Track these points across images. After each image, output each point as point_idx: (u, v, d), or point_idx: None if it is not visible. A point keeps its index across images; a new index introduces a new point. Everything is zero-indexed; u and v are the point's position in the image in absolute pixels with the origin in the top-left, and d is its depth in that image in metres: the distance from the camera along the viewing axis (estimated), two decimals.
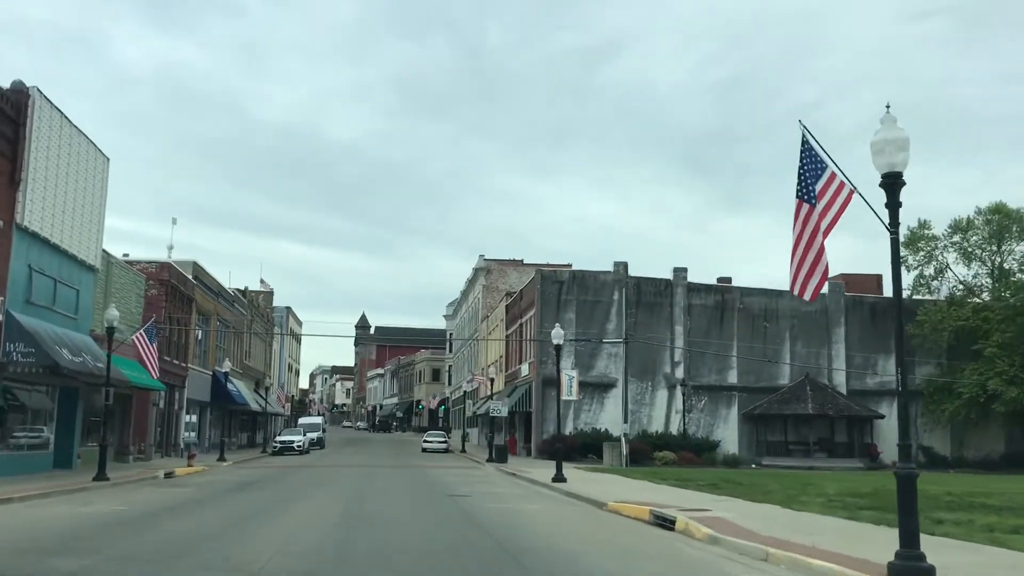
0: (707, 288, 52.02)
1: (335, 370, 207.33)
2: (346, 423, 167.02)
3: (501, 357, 65.58)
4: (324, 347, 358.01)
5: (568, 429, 49.14)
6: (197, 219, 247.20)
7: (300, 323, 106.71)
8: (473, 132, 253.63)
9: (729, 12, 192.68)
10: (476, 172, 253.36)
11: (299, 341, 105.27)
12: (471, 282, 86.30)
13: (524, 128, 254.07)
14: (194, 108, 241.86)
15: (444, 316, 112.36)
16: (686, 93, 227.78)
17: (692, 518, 16.02)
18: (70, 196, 30.25)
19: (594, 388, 49.79)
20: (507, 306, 63.10)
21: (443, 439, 63.45)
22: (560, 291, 50.44)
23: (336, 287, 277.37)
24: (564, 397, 38.43)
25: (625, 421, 45.01)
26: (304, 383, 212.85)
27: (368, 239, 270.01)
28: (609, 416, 49.53)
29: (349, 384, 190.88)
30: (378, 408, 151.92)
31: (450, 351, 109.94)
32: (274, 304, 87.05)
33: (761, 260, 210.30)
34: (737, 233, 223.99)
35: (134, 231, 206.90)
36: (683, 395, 50.37)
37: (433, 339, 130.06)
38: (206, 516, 16.97)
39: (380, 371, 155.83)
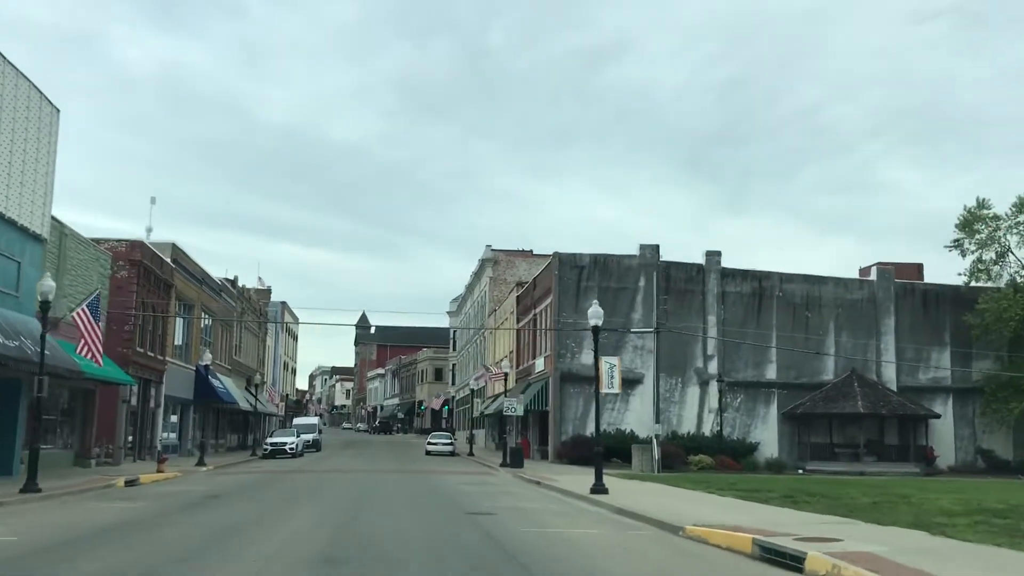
0: (743, 274, 46.96)
1: (335, 371, 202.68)
2: (346, 424, 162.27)
3: (511, 352, 60.56)
4: (324, 347, 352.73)
5: (589, 429, 44.15)
6: (197, 220, 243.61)
7: (297, 320, 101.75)
8: (475, 133, 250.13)
9: (731, 12, 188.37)
10: (478, 173, 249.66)
11: (296, 339, 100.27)
12: (477, 275, 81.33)
13: (526, 129, 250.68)
14: (195, 109, 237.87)
15: (447, 313, 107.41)
16: (688, 94, 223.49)
17: (830, 554, 11.01)
18: (13, 152, 25.29)
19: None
20: (518, 297, 58.11)
21: (449, 441, 58.45)
22: (580, 277, 45.40)
23: (337, 288, 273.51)
24: (604, 390, 33.43)
25: (657, 421, 39.98)
26: (303, 384, 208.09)
27: (369, 240, 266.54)
28: (635, 416, 44.53)
29: (349, 385, 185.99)
30: (379, 409, 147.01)
31: (454, 349, 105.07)
32: (271, 299, 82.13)
33: (763, 262, 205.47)
34: (738, 234, 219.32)
35: (132, 233, 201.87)
36: (718, 392, 45.35)
37: (435, 338, 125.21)
38: (118, 555, 11.82)
39: (380, 371, 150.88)
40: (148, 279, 39.10)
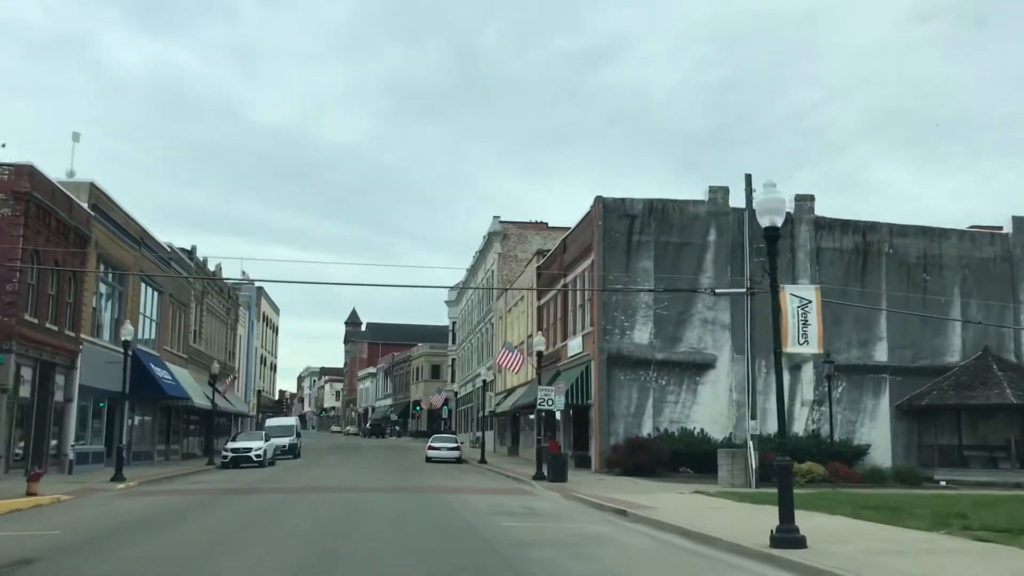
0: (842, 225, 36.21)
1: (324, 371, 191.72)
2: (334, 427, 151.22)
3: (528, 338, 49.78)
4: (314, 352, 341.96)
5: (646, 429, 33.44)
6: (188, 224, 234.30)
7: (277, 310, 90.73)
8: (468, 135, 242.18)
9: (724, 14, 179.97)
10: (471, 175, 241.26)
11: (275, 330, 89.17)
12: (482, 253, 70.44)
13: (519, 132, 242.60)
14: (187, 112, 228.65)
15: (446, 302, 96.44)
16: (682, 96, 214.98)
17: None
18: None
19: (683, 369, 34.02)
20: (539, 268, 47.29)
21: (454, 445, 47.64)
22: (631, 229, 34.57)
23: (329, 290, 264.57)
24: (794, 348, 22.08)
25: (753, 416, 29.00)
26: (290, 385, 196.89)
27: (362, 243, 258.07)
28: (705, 411, 33.81)
29: (339, 386, 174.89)
30: (370, 411, 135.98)
31: (453, 343, 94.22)
32: (254, 284, 71.09)
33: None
34: None
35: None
36: (815, 378, 34.63)
37: (431, 335, 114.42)
38: None
39: (372, 370, 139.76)
40: (45, 222, 28.16)
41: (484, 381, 47.23)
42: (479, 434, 69.96)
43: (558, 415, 36.95)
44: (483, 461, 44.45)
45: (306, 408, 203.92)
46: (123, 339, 29.14)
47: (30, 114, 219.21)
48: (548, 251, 47.51)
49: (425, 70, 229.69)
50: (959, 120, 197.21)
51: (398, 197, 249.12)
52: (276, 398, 76.54)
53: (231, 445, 42.14)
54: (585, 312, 36.50)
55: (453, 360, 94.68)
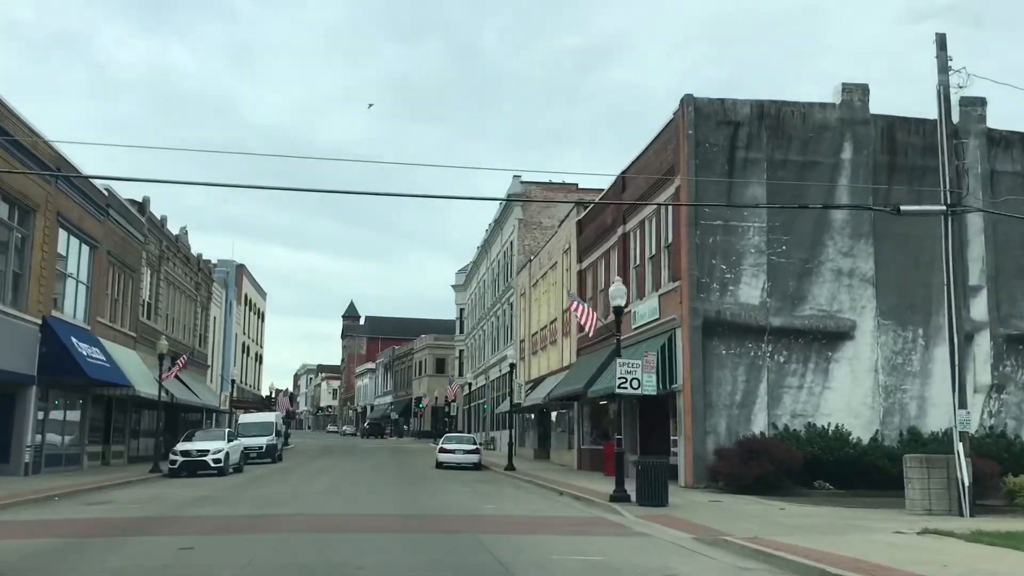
0: (1021, 138, 26.08)
1: (321, 369, 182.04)
2: (331, 427, 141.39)
3: (561, 315, 39.86)
4: (317, 349, 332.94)
5: (758, 425, 23.34)
6: (185, 223, 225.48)
7: (264, 294, 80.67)
8: (466, 135, 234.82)
9: (724, 12, 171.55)
10: (468, 175, 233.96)
11: (261, 317, 79.04)
12: (498, 222, 60.39)
13: (518, 131, 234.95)
14: (184, 111, 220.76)
15: (452, 287, 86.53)
16: (680, 95, 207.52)
17: None
18: None
19: (808, 341, 23.91)
20: (580, 222, 37.29)
21: (473, 447, 37.70)
22: (734, 141, 24.45)
23: (329, 292, 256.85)
24: None
25: (963, 406, 18.71)
26: (286, 385, 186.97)
27: (359, 243, 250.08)
28: (841, 398, 23.71)
29: (336, 384, 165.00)
30: (369, 409, 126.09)
31: (461, 332, 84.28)
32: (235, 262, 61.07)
33: None
34: None
35: None
36: (992, 354, 24.54)
37: (434, 328, 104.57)
38: None
39: (371, 365, 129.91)
40: None
41: (511, 365, 37.09)
42: (493, 434, 59.92)
43: (611, 406, 26.92)
44: (511, 468, 34.44)
45: (302, 407, 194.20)
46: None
47: (30, 115, 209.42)
48: (588, 202, 37.48)
49: (424, 69, 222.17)
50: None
51: (396, 197, 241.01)
52: (266, 394, 66.41)
53: (182, 447, 32.02)
54: (662, 263, 26.35)
55: (461, 351, 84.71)
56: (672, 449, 25.20)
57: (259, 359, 78.25)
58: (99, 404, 34.78)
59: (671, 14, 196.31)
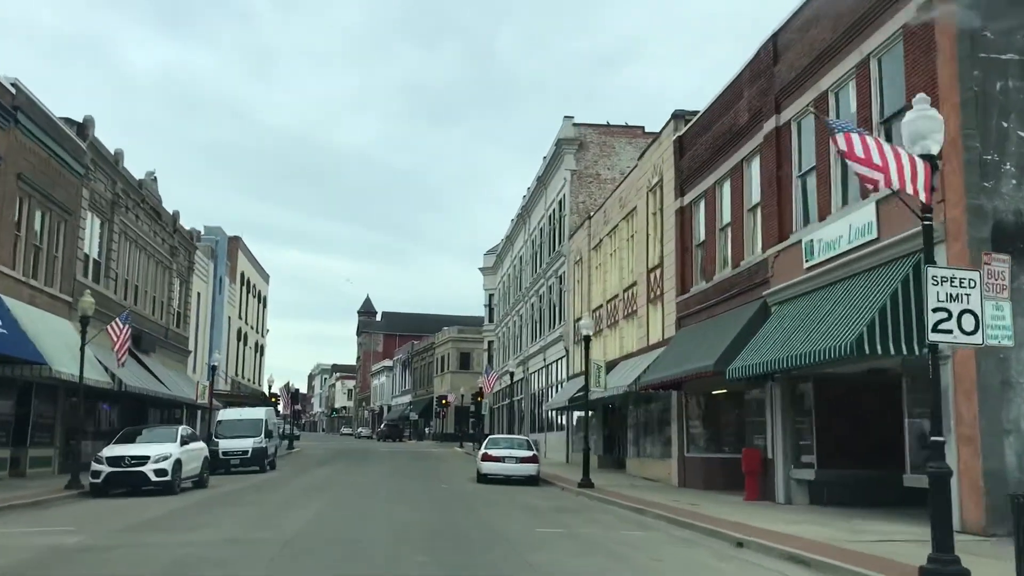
0: None
1: (335, 368, 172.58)
2: (345, 429, 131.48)
3: (647, 276, 29.40)
4: (334, 353, 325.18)
5: None
6: (200, 223, 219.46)
7: (266, 277, 70.49)
8: (483, 138, 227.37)
9: (741, 14, 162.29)
10: (486, 178, 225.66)
11: (262, 301, 68.83)
12: (541, 181, 49.89)
13: (533, 134, 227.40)
14: (201, 113, 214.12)
15: (480, 269, 76.23)
16: (699, 98, 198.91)
17: None
18: None
19: None
20: (680, 140, 26.68)
21: (529, 453, 27.32)
22: None
23: (343, 295, 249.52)
24: None
25: None
26: (301, 384, 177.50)
27: (376, 247, 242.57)
28: None
29: (351, 384, 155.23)
30: (385, 409, 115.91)
31: (490, 321, 74.01)
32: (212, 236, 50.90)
33: None
34: None
35: None
36: None
37: (458, 322, 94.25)
38: None
39: (388, 363, 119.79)
40: None
41: (586, 336, 26.50)
42: (535, 437, 49.41)
43: (765, 403, 16.58)
44: (587, 484, 23.88)
45: (316, 408, 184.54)
46: None
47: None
48: (688, 116, 26.89)
49: (440, 73, 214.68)
50: None
51: (412, 200, 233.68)
52: (267, 389, 56.21)
53: (110, 451, 21.71)
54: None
55: (490, 343, 74.35)
56: (914, 460, 14.53)
57: (259, 349, 68.08)
58: (6, 390, 24.55)
59: (687, 16, 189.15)
